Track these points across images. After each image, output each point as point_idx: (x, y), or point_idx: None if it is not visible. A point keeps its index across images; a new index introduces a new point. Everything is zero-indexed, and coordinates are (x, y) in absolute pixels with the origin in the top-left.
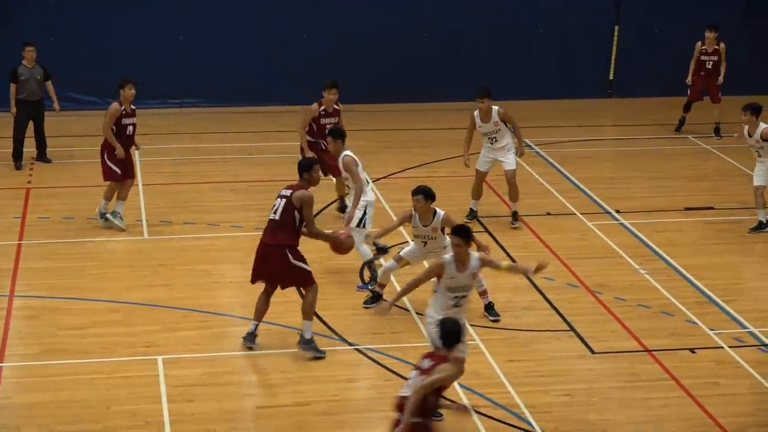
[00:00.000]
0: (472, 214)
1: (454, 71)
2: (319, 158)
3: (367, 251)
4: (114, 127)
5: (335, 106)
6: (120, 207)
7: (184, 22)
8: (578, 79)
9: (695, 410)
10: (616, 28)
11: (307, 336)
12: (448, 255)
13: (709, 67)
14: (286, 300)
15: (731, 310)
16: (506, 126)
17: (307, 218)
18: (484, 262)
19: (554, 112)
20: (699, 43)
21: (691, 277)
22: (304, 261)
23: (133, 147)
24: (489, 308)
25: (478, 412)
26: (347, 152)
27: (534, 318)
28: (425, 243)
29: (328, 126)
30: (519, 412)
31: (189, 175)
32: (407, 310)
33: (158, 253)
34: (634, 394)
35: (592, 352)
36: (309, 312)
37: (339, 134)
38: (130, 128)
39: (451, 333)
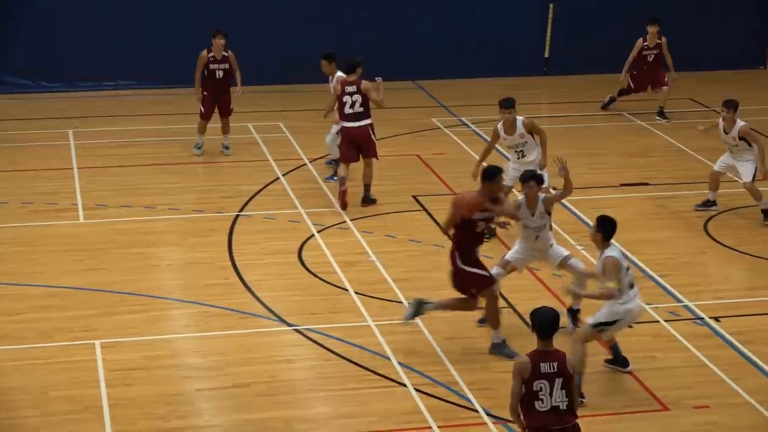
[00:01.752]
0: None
1: (394, 52)
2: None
3: None
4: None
5: (224, 53)
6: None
7: (117, 3)
8: (514, 58)
9: (633, 384)
10: (551, 5)
11: (495, 341)
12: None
13: (651, 60)
14: (225, 282)
15: (666, 285)
16: (532, 137)
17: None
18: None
19: (491, 91)
20: (640, 40)
21: (627, 253)
22: (475, 265)
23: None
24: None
25: (418, 391)
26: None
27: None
28: (537, 237)
29: (217, 72)
30: (459, 389)
31: (125, 158)
32: (346, 290)
33: (95, 236)
34: None
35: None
36: (491, 319)
37: (333, 57)
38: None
39: (552, 324)
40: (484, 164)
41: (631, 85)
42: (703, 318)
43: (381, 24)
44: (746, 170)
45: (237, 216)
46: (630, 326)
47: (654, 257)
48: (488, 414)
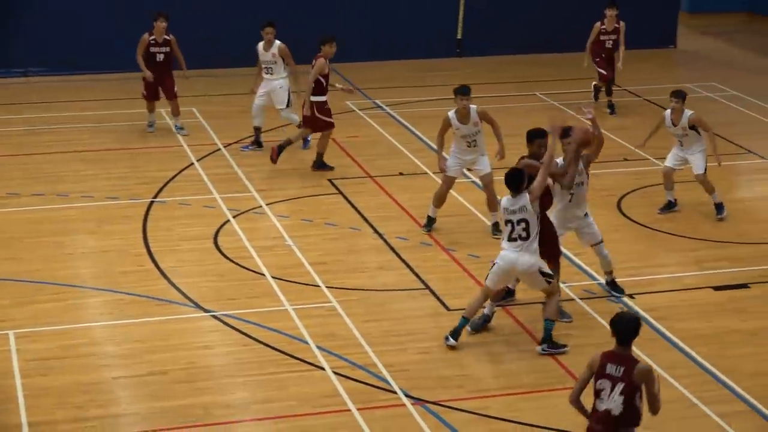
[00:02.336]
0: (430, 224)
1: (305, 34)
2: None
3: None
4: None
5: (165, 36)
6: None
7: None
8: (427, 40)
9: (550, 362)
10: None
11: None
12: None
13: (609, 46)
14: (141, 269)
15: (581, 263)
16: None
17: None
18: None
19: (405, 73)
20: (598, 24)
21: None
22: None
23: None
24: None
25: (337, 374)
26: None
27: (389, 277)
28: (572, 194)
29: (158, 55)
30: (377, 371)
31: (37, 146)
32: (262, 275)
33: (7, 225)
34: (490, 348)
35: (448, 309)
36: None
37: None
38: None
39: (633, 329)
40: (446, 155)
41: (602, 72)
42: (617, 295)
43: (291, 6)
44: (698, 162)
45: (151, 202)
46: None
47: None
48: (407, 395)
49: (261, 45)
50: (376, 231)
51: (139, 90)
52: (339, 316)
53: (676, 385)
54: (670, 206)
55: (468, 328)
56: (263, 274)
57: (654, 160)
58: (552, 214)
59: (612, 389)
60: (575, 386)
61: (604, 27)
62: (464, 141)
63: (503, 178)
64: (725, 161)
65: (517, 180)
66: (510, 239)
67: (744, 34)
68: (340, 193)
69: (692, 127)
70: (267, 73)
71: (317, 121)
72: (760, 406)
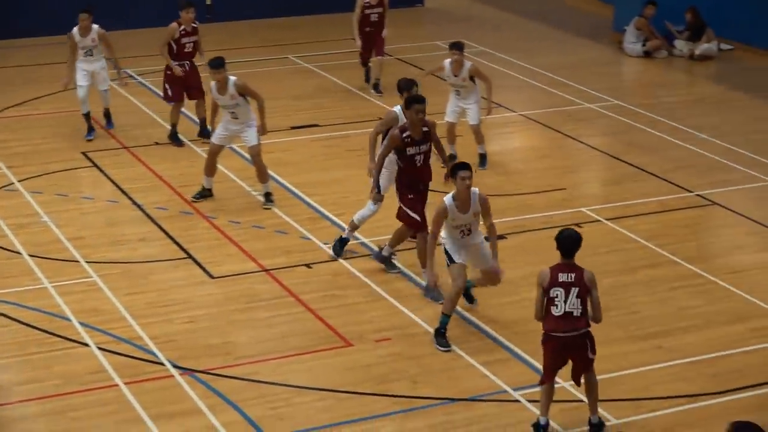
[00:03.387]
0: (203, 194)
1: (46, 5)
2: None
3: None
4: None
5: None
6: None
7: None
8: (175, 7)
9: (317, 324)
10: None
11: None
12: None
13: (375, 20)
14: None
15: (342, 223)
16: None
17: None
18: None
19: (155, 40)
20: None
21: (302, 195)
22: (410, 207)
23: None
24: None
25: (101, 349)
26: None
27: (151, 249)
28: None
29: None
30: (143, 344)
31: None
32: (18, 253)
33: None
34: (256, 314)
35: (212, 277)
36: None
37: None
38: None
39: (577, 242)
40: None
41: (361, 51)
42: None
43: None
44: (473, 113)
45: None
46: None
47: (329, 197)
48: (174, 366)
49: (76, 30)
50: (134, 202)
51: None
52: (101, 291)
53: None
54: (453, 157)
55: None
56: (19, 253)
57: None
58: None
59: (567, 294)
60: (536, 307)
61: (368, 1)
62: (227, 112)
63: None
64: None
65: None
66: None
67: None
68: (95, 165)
69: (471, 78)
70: (88, 55)
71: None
72: (521, 352)
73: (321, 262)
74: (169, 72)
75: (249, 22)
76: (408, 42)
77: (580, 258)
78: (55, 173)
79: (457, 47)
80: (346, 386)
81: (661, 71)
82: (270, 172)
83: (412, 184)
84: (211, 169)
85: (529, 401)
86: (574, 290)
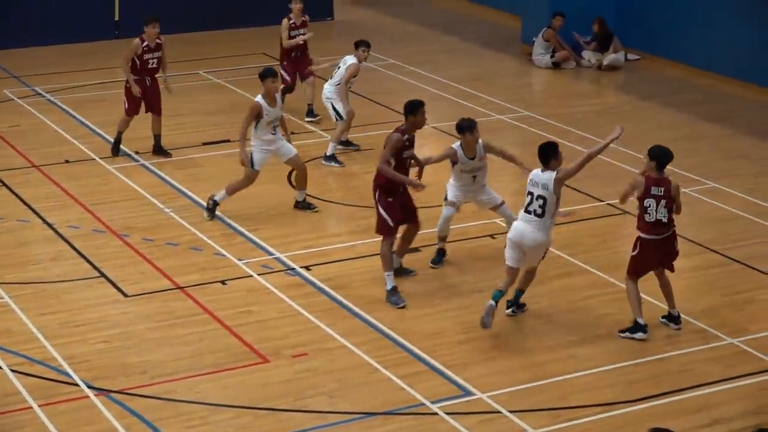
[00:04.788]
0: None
1: None
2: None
3: None
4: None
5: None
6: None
7: None
8: (84, 22)
9: (232, 340)
10: None
11: (387, 287)
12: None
13: (302, 42)
14: None
15: (257, 239)
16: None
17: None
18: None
19: (63, 58)
20: (285, 20)
21: (217, 212)
22: (387, 207)
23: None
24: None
25: (14, 371)
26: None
27: (63, 268)
28: (474, 177)
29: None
30: (57, 365)
31: None
32: None
33: None
34: (171, 332)
35: (125, 295)
36: (384, 262)
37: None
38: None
39: (668, 155)
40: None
41: (286, 77)
42: (294, 268)
43: None
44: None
45: None
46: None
47: (243, 212)
48: (89, 386)
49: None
50: (45, 221)
51: None
52: (13, 312)
53: (357, 352)
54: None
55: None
56: None
57: (322, 132)
58: (453, 187)
59: (658, 205)
60: (625, 191)
61: (293, 22)
62: (267, 129)
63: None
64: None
65: (546, 153)
66: (526, 210)
67: (396, 3)
68: (5, 185)
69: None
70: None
71: None
72: (438, 365)
73: (236, 279)
74: (128, 86)
75: None
76: (319, 55)
77: (494, 269)
78: None
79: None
80: (263, 403)
81: (570, 82)
82: (183, 188)
83: (395, 187)
84: (234, 192)
85: (447, 414)
86: (663, 201)
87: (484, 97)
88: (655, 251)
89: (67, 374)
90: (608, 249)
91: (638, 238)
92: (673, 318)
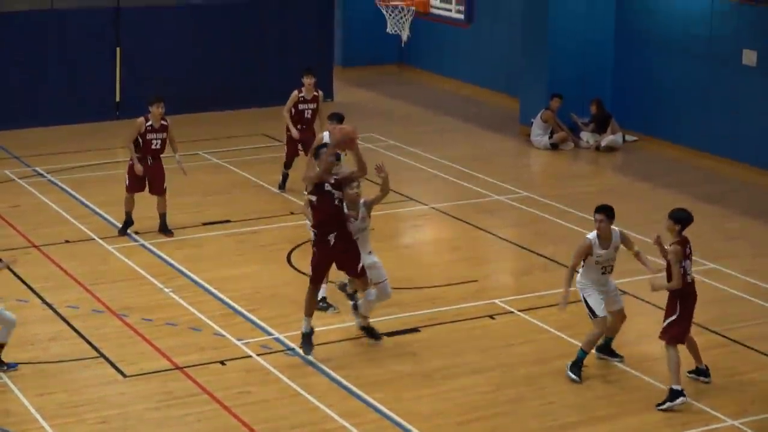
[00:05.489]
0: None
1: None
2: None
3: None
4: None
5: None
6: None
7: None
8: (85, 103)
9: (231, 421)
10: (118, 49)
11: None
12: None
13: (308, 116)
14: None
15: (256, 319)
16: None
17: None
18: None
19: (64, 138)
20: (296, 92)
21: (215, 291)
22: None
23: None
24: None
25: None
26: None
27: (62, 348)
28: (357, 238)
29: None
30: None
31: None
32: None
33: None
34: (170, 412)
35: (124, 375)
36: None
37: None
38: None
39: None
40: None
41: (285, 149)
42: (293, 348)
43: None
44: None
45: None
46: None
47: (241, 292)
48: None
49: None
50: (44, 301)
51: None
52: (11, 392)
53: None
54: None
55: None
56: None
57: None
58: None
59: (691, 264)
60: (677, 278)
61: (302, 95)
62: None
63: None
64: (389, 209)
65: None
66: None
67: (396, 84)
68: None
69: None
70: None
71: None
72: None
73: (235, 359)
74: (131, 163)
75: None
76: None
77: (494, 349)
78: None
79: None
80: None
81: (569, 163)
82: (182, 268)
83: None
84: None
85: None
86: (689, 260)
87: (483, 177)
88: (692, 311)
89: None
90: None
91: (676, 301)
92: (702, 372)
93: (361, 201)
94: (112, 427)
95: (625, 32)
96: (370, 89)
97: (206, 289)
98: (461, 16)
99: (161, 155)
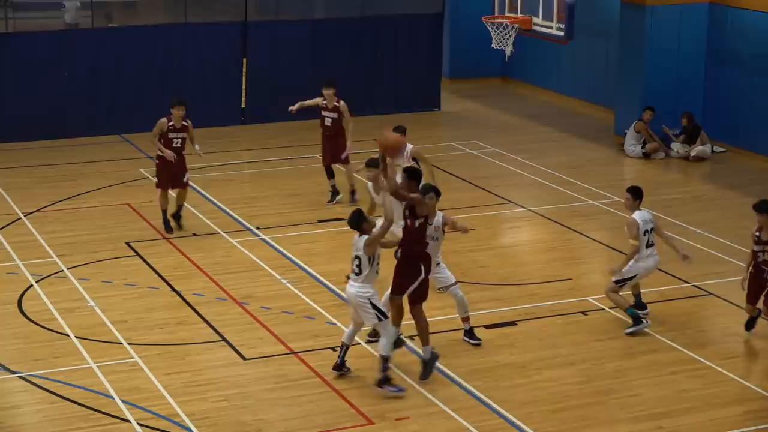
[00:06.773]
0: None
1: (98, 107)
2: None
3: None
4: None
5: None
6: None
7: None
8: (213, 109)
9: (340, 403)
10: (245, 60)
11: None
12: None
13: (328, 124)
14: None
15: None
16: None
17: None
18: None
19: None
20: (320, 99)
21: (328, 283)
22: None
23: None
24: (469, 333)
25: (141, 425)
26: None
27: (188, 332)
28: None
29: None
30: (180, 420)
31: None
32: (66, 335)
33: None
34: (284, 393)
35: (244, 358)
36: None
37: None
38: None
39: None
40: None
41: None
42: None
43: (80, 81)
44: None
45: None
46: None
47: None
48: None
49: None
50: (173, 289)
51: None
52: (141, 371)
53: (456, 417)
54: None
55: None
56: (67, 335)
57: None
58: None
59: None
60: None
61: (324, 102)
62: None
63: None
64: (491, 211)
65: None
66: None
67: (499, 96)
68: (138, 255)
69: (414, 159)
70: None
71: None
72: None
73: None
74: (157, 161)
75: (279, 124)
76: (426, 143)
77: (585, 343)
78: (100, 262)
79: (400, 130)
80: None
81: (659, 171)
82: (299, 261)
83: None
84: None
85: None
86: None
87: (579, 183)
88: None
89: (189, 430)
90: (694, 328)
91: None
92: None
93: (442, 214)
94: (232, 405)
95: (716, 49)
96: (475, 100)
97: (320, 281)
98: (561, 33)
99: (182, 152)
